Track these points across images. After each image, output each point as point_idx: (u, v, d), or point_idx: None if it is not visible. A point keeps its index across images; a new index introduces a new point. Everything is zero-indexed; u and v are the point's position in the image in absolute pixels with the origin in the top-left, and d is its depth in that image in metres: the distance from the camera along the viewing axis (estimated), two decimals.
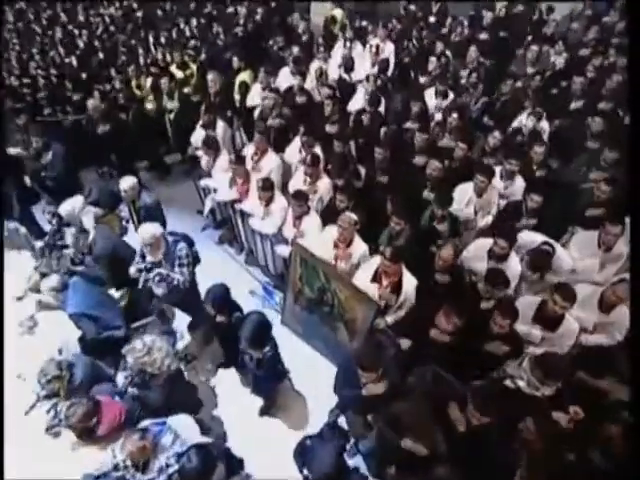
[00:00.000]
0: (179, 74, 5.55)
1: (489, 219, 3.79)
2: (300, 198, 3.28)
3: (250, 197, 3.76)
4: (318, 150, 3.97)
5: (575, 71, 5.37)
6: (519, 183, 3.89)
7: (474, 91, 5.12)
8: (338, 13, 7.14)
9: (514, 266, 3.23)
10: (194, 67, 5.67)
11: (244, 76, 5.43)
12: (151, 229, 2.91)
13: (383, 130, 4.16)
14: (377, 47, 5.55)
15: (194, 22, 7.29)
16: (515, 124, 4.83)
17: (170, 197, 5.35)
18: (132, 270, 3.04)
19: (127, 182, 3.58)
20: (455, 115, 4.17)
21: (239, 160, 3.64)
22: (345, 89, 5.23)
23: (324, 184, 3.76)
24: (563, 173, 4.20)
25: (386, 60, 5.36)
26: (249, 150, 4.13)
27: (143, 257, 3.07)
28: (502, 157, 4.03)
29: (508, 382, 2.82)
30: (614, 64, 5.70)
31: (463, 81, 5.29)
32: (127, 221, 3.96)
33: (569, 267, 3.33)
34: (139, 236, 2.94)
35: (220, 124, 4.40)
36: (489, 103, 4.96)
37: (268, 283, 4.44)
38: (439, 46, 5.80)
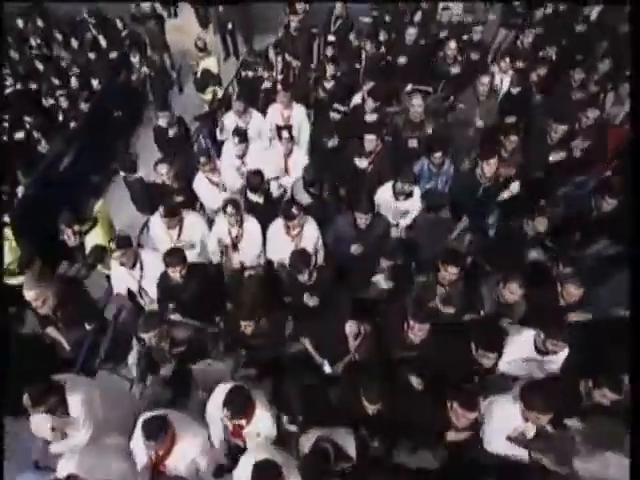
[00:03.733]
0: None
1: None
2: None
3: None
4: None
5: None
6: (562, 355, 2.64)
7: (440, 172, 3.62)
8: (212, 64, 4.94)
9: None
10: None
11: (96, 237, 3.35)
12: None
13: (351, 327, 2.52)
14: (290, 135, 3.63)
15: None
16: None
17: None
18: None
19: None
20: (454, 270, 2.66)
21: None
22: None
23: None
24: None
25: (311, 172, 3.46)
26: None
27: None
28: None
29: None
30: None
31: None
32: None
33: None
34: None
35: (77, 399, 2.39)
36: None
37: None
38: (369, 102, 4.03)
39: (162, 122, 3.75)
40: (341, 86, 4.62)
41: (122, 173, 3.41)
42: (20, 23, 6.12)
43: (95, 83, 5.06)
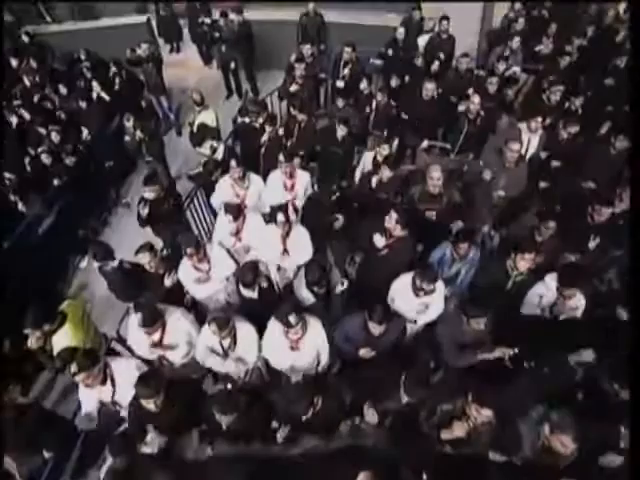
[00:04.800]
0: None
1: None
2: None
3: None
4: None
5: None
6: None
7: (464, 260, 3.14)
8: (209, 117, 4.54)
9: None
10: None
11: (65, 337, 2.82)
12: None
13: None
14: (286, 218, 3.13)
15: None
16: None
17: None
18: None
19: None
20: (488, 413, 2.14)
21: None
22: None
23: None
24: None
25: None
26: None
27: None
28: None
29: None
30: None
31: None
32: None
33: None
34: None
35: None
36: None
37: None
38: (386, 172, 3.54)
39: (149, 196, 3.31)
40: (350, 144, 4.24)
41: (96, 263, 2.94)
42: (14, 62, 5.83)
43: (85, 133, 4.68)
